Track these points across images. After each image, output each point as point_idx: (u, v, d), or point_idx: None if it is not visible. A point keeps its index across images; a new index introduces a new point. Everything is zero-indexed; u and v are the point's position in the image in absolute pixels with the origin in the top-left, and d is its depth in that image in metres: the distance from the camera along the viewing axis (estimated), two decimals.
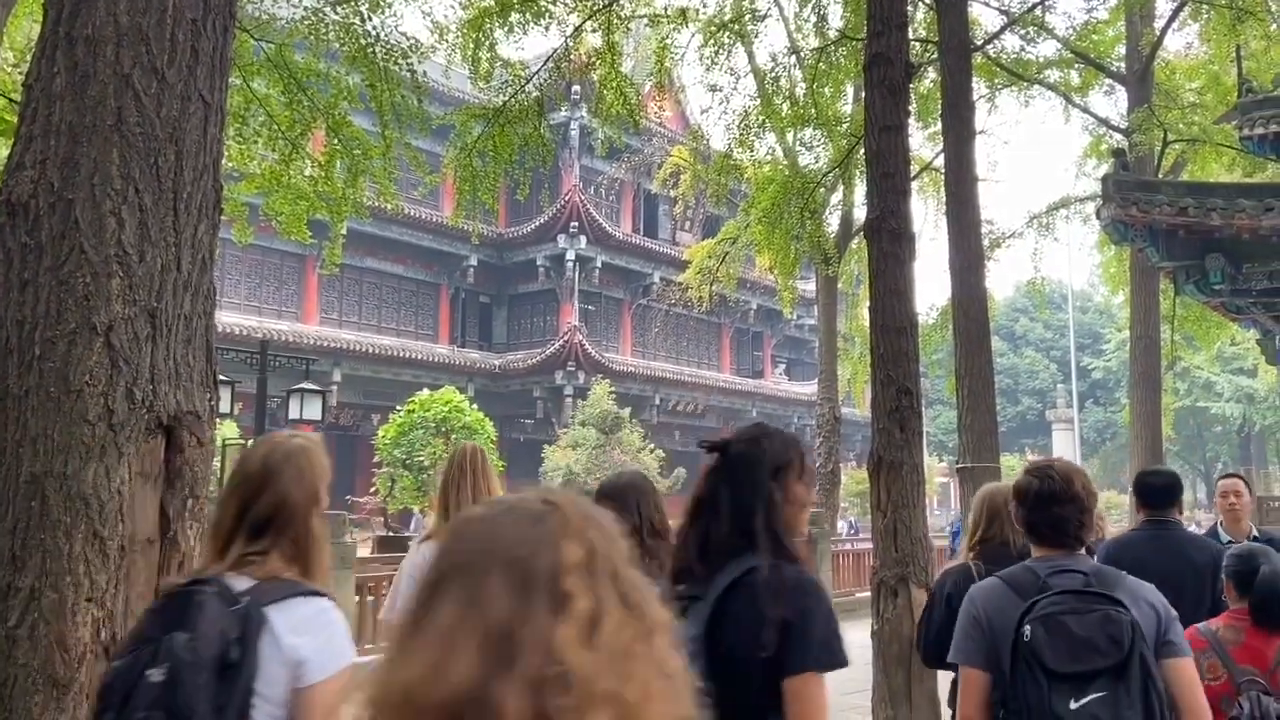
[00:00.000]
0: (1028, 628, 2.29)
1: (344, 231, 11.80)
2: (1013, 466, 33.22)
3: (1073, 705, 2.19)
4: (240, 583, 1.75)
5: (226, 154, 10.52)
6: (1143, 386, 15.48)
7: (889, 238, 6.51)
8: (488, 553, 0.92)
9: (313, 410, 11.39)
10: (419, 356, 28.60)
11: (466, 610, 0.89)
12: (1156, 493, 4.07)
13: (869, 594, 6.65)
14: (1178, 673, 2.37)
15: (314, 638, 1.74)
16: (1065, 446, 36.89)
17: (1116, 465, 43.68)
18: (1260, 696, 2.95)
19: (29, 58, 2.61)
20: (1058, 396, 40.04)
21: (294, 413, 11.31)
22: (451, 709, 0.85)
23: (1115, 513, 25.55)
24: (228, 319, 24.27)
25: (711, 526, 2.01)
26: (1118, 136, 16.36)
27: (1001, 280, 64.94)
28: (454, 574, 0.92)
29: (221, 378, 11.50)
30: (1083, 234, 56.46)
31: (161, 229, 2.40)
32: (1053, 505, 2.48)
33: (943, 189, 14.52)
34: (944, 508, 35.51)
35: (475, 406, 16.74)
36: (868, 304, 8.27)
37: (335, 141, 10.48)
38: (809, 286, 27.86)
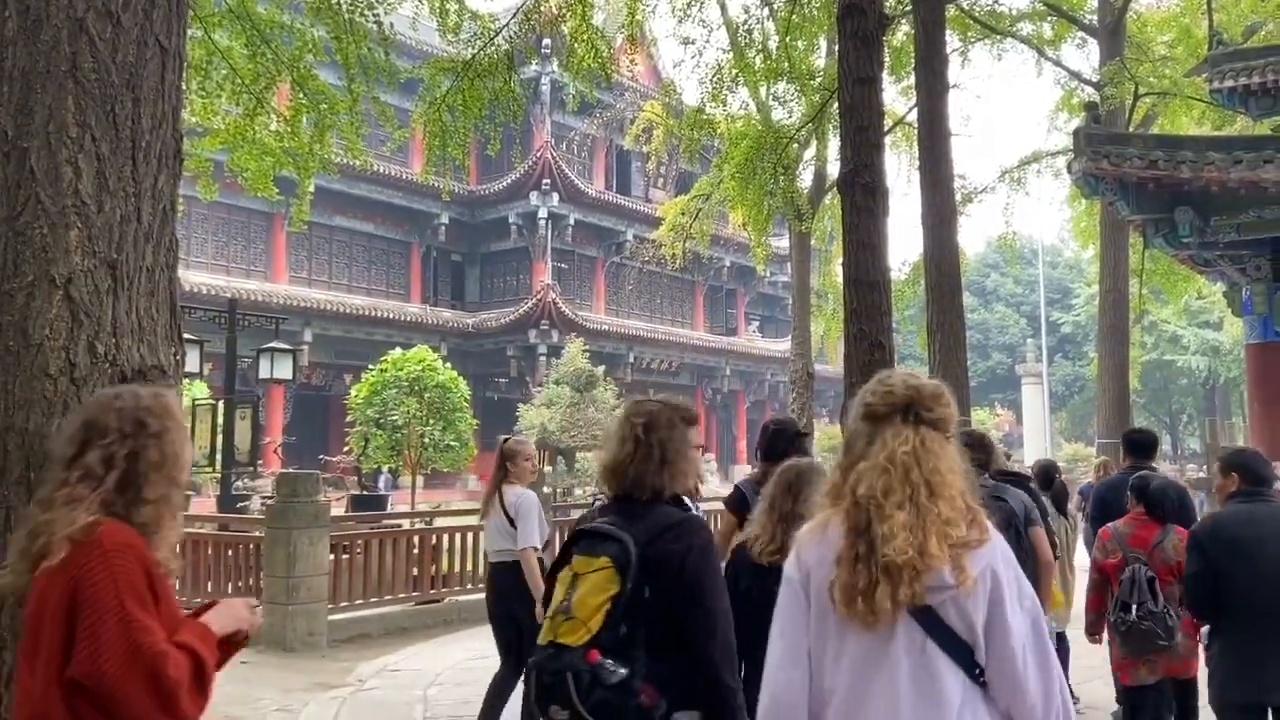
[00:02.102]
0: None
1: (312, 189, 11.62)
2: (983, 420, 33.63)
3: None
4: None
5: (189, 108, 10.30)
6: (1111, 340, 15.66)
7: (862, 192, 6.50)
8: None
9: (283, 369, 11.28)
10: (391, 316, 28.38)
11: None
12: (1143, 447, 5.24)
13: None
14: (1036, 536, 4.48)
15: None
16: (1034, 401, 37.35)
17: (1084, 418, 44.33)
18: (1139, 568, 4.43)
19: None
20: (1027, 351, 40.41)
21: (264, 372, 11.18)
22: None
23: (1082, 464, 25.96)
24: (195, 278, 23.92)
25: None
26: (1089, 90, 16.38)
27: (972, 236, 65.40)
28: None
29: (190, 337, 11.37)
30: (1054, 189, 56.74)
31: (120, 178, 2.34)
32: None
33: (915, 144, 14.49)
34: None
35: (449, 365, 16.66)
36: (841, 260, 8.28)
37: (301, 96, 10.27)
38: (782, 243, 27.86)
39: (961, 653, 1.89)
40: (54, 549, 1.75)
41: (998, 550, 1.94)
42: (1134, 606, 4.32)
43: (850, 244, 6.56)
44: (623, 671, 2.17)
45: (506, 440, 5.55)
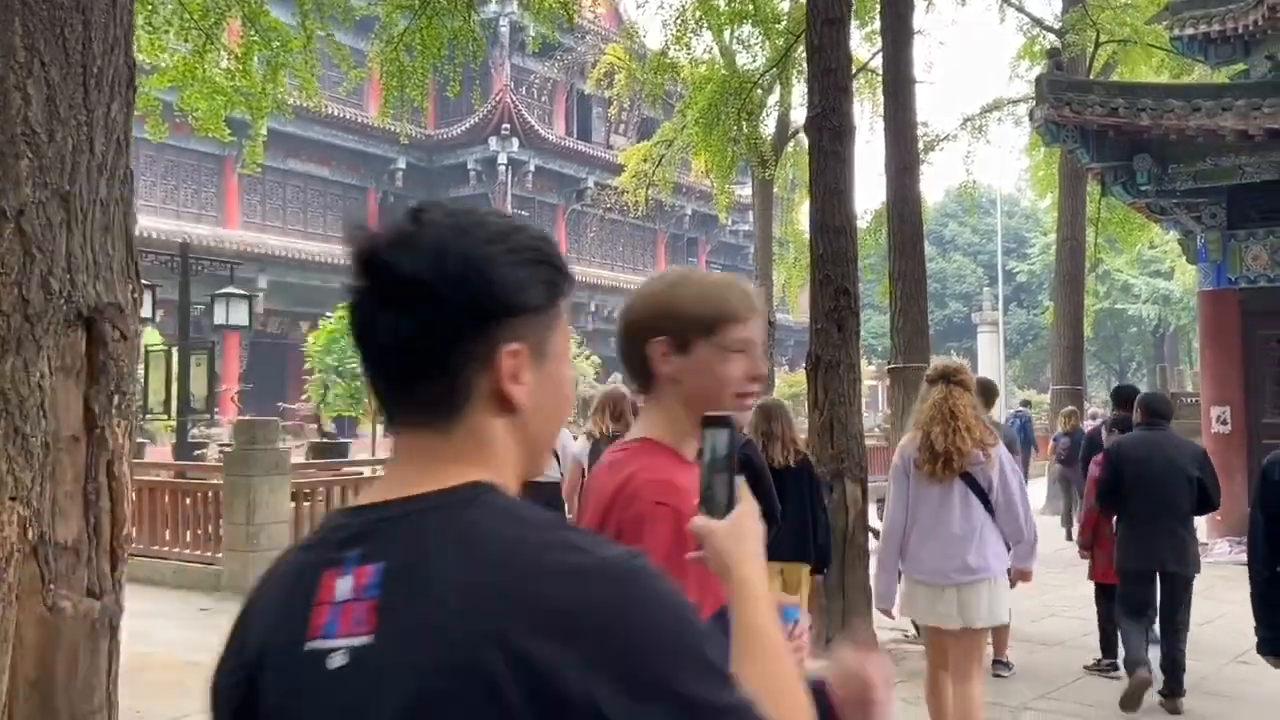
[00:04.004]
0: None
1: (264, 130, 11.30)
2: None
3: None
4: None
5: (136, 45, 9.95)
6: (1067, 288, 15.86)
7: (829, 135, 6.45)
8: None
9: (239, 315, 11.04)
10: (348, 263, 27.89)
11: None
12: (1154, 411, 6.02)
13: None
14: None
15: None
16: (990, 348, 37.88)
17: (1037, 366, 45.06)
18: None
19: None
20: (983, 300, 40.85)
21: (219, 318, 10.95)
22: None
23: (1035, 410, 26.44)
24: (144, 221, 23.28)
25: None
26: (1051, 37, 16.38)
27: (932, 186, 65.62)
28: None
29: (142, 281, 11.11)
30: (1014, 136, 57.02)
31: (71, 106, 2.22)
32: None
33: (879, 91, 14.43)
34: (872, 409, 36.36)
35: None
36: (805, 207, 8.27)
37: (252, 33, 9.93)
38: (744, 192, 27.77)
39: (984, 497, 3.91)
40: None
41: (1002, 447, 4.02)
42: None
43: (816, 189, 6.53)
44: None
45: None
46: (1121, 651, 5.52)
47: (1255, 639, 3.36)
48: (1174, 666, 5.13)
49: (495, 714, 0.73)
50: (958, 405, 3.84)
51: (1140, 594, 5.26)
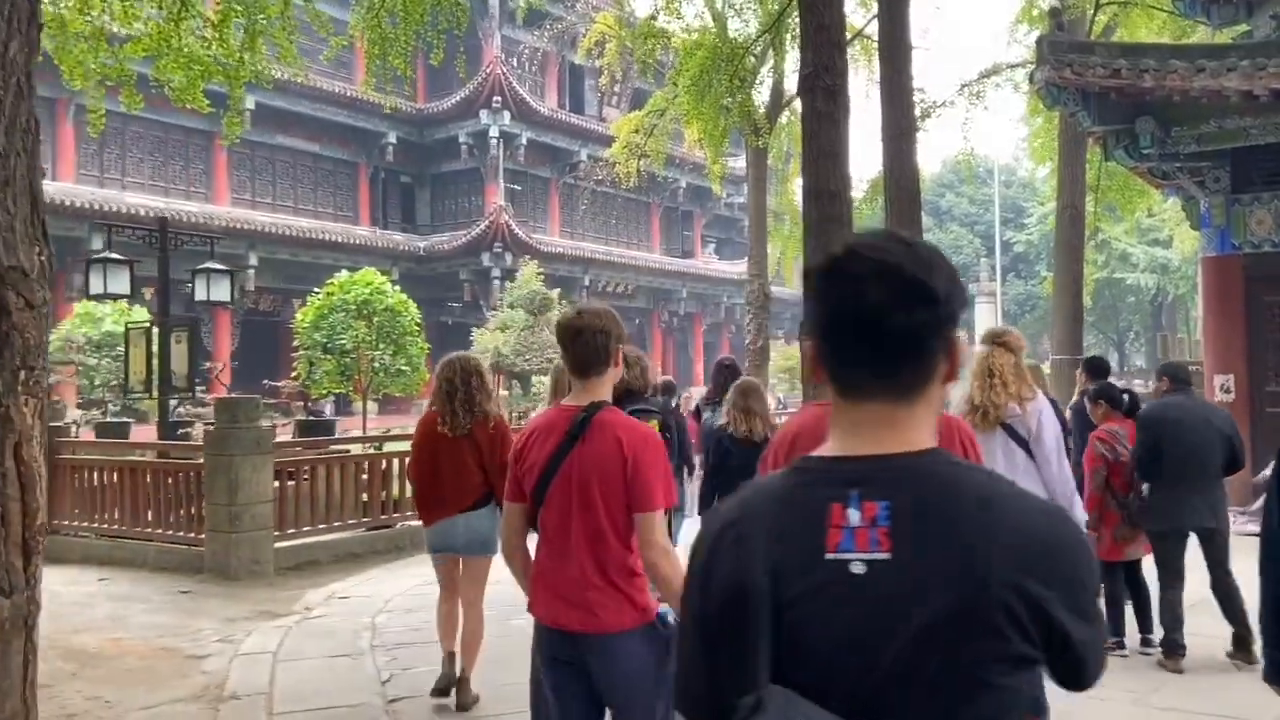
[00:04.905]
0: None
1: (249, 103, 11.02)
2: None
3: None
4: None
5: (108, 12, 9.61)
6: (1066, 256, 15.61)
7: (823, 96, 6.19)
8: None
9: (220, 291, 10.73)
10: (339, 239, 27.59)
11: None
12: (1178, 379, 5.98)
13: None
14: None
15: None
16: (988, 319, 37.64)
17: (1035, 336, 44.80)
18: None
19: None
20: (981, 270, 40.56)
21: (200, 294, 10.65)
22: None
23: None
24: (131, 199, 23.00)
25: None
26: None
27: (928, 156, 64.90)
28: None
29: (117, 256, 10.83)
30: (1012, 102, 56.52)
31: None
32: None
33: (874, 60, 14.11)
34: None
35: (398, 288, 16.19)
36: (799, 176, 7.99)
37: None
38: (738, 164, 27.40)
39: (1024, 444, 4.15)
40: None
41: (1042, 401, 4.25)
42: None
43: (810, 152, 6.28)
44: None
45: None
46: (1129, 631, 5.44)
47: (1262, 660, 2.46)
48: (1245, 617, 5.08)
49: (1009, 630, 1.00)
50: (995, 363, 4.24)
51: (1180, 555, 5.31)
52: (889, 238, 1.14)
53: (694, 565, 1.14)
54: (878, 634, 1.01)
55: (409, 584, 7.76)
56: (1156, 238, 40.43)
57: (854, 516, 1.05)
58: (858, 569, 1.03)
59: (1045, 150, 21.31)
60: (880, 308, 1.08)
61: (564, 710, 2.61)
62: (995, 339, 4.40)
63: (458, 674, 4.91)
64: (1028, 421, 4.15)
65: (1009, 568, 1.00)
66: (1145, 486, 5.42)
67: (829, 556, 1.05)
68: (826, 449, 1.13)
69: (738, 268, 34.21)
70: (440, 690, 4.92)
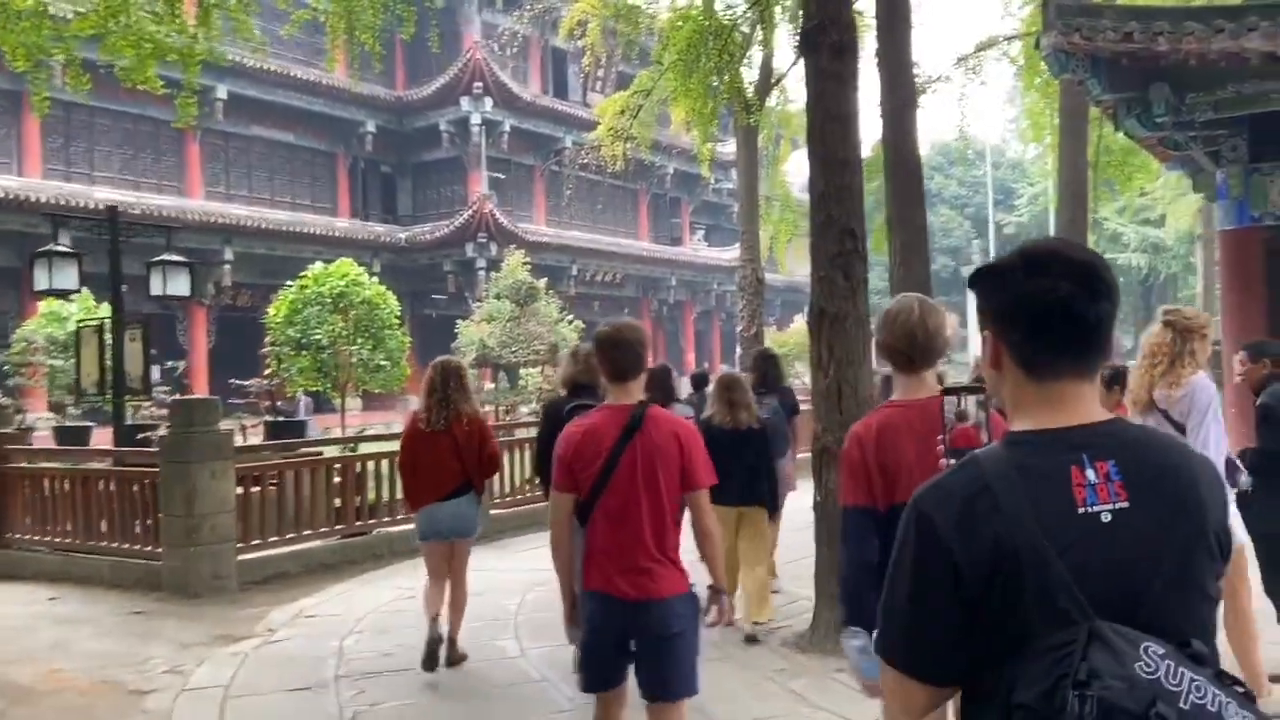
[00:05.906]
0: None
1: (222, 93, 10.34)
2: None
3: None
4: None
5: None
6: (1068, 234, 15.05)
7: (829, 53, 5.57)
8: None
9: (179, 285, 10.00)
10: (318, 231, 26.85)
11: None
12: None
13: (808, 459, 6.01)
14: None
15: None
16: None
17: None
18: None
19: None
20: (972, 253, 40.20)
21: (155, 288, 9.92)
22: None
23: None
24: (99, 194, 22.19)
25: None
26: None
27: (919, 138, 64.25)
28: None
29: (63, 249, 10.15)
30: (1007, 77, 56.15)
31: None
32: None
33: (869, 36, 13.48)
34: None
35: (375, 280, 15.53)
36: (790, 160, 7.41)
37: None
38: (726, 149, 26.73)
39: (1178, 425, 4.19)
40: None
41: (1194, 388, 4.24)
42: None
43: (816, 117, 5.66)
44: None
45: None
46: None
47: None
48: None
49: (1215, 549, 1.30)
50: (1151, 343, 4.34)
51: None
52: (1063, 242, 1.42)
53: (930, 537, 1.28)
54: (1142, 562, 1.25)
55: (386, 597, 7.16)
56: (1148, 217, 40.01)
57: (1091, 475, 1.28)
58: (1106, 518, 1.26)
59: (1040, 127, 20.74)
60: (1085, 301, 1.31)
61: (611, 671, 3.12)
62: (1164, 316, 4.35)
63: (444, 634, 5.23)
64: (1180, 406, 4.17)
65: (1212, 502, 1.31)
66: (1245, 479, 4.66)
67: (1080, 510, 1.26)
68: (1027, 424, 1.34)
69: (727, 254, 33.60)
70: (430, 655, 5.11)
